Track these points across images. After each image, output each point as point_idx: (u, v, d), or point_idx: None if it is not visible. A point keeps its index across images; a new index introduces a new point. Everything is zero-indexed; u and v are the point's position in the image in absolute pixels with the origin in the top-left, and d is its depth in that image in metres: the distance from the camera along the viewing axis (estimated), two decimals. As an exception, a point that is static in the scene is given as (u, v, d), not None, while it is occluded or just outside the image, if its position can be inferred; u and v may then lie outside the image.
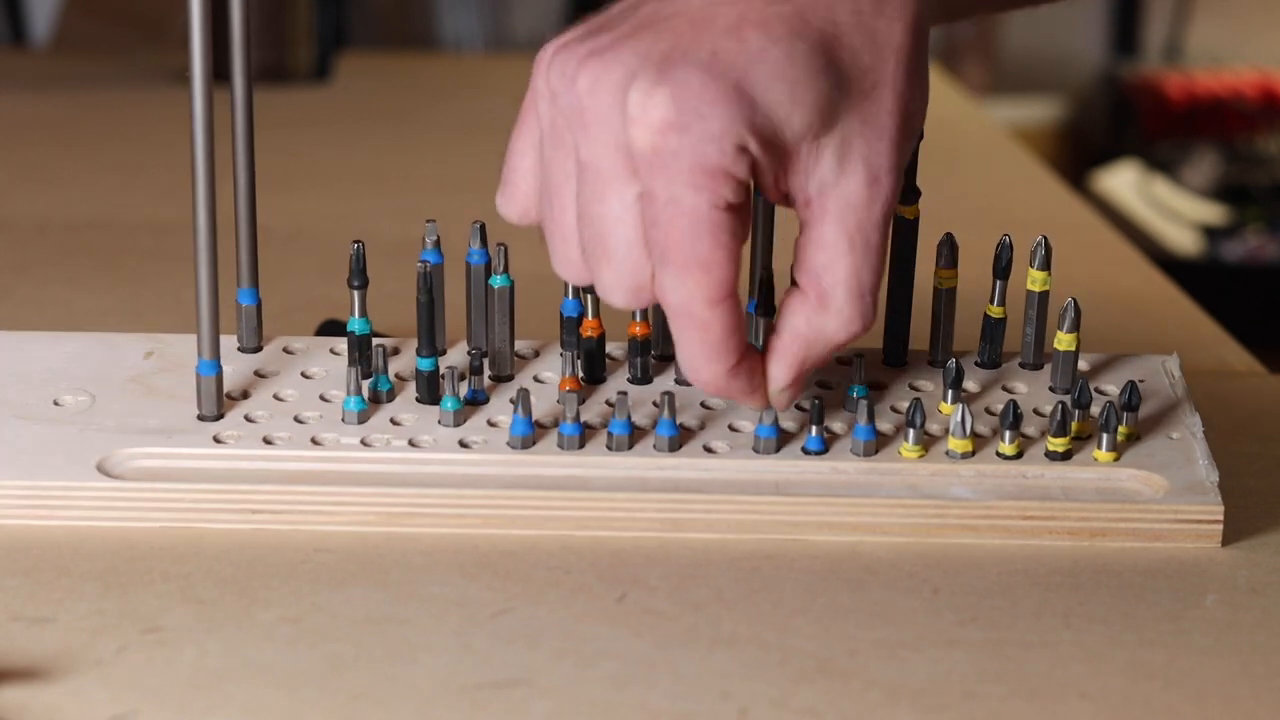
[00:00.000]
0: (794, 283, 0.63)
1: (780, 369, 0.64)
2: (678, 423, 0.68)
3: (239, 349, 0.72)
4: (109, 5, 1.80)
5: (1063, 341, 0.71)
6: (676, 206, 0.59)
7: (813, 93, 0.60)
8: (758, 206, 0.71)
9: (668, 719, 0.56)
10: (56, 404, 0.69)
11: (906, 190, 0.71)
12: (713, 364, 0.62)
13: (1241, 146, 2.72)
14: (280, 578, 0.63)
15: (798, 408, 0.70)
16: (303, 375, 0.71)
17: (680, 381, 0.72)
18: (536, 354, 0.73)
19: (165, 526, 0.65)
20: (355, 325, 0.71)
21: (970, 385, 0.72)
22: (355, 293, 0.71)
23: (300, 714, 0.56)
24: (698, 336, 0.61)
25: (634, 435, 0.68)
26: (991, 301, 0.72)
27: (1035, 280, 0.72)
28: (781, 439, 0.68)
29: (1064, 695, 0.58)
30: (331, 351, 0.73)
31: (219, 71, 0.65)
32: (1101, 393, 0.72)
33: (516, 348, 0.73)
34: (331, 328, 0.81)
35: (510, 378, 0.71)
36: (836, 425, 0.69)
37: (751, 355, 0.63)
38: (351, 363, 0.70)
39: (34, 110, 1.40)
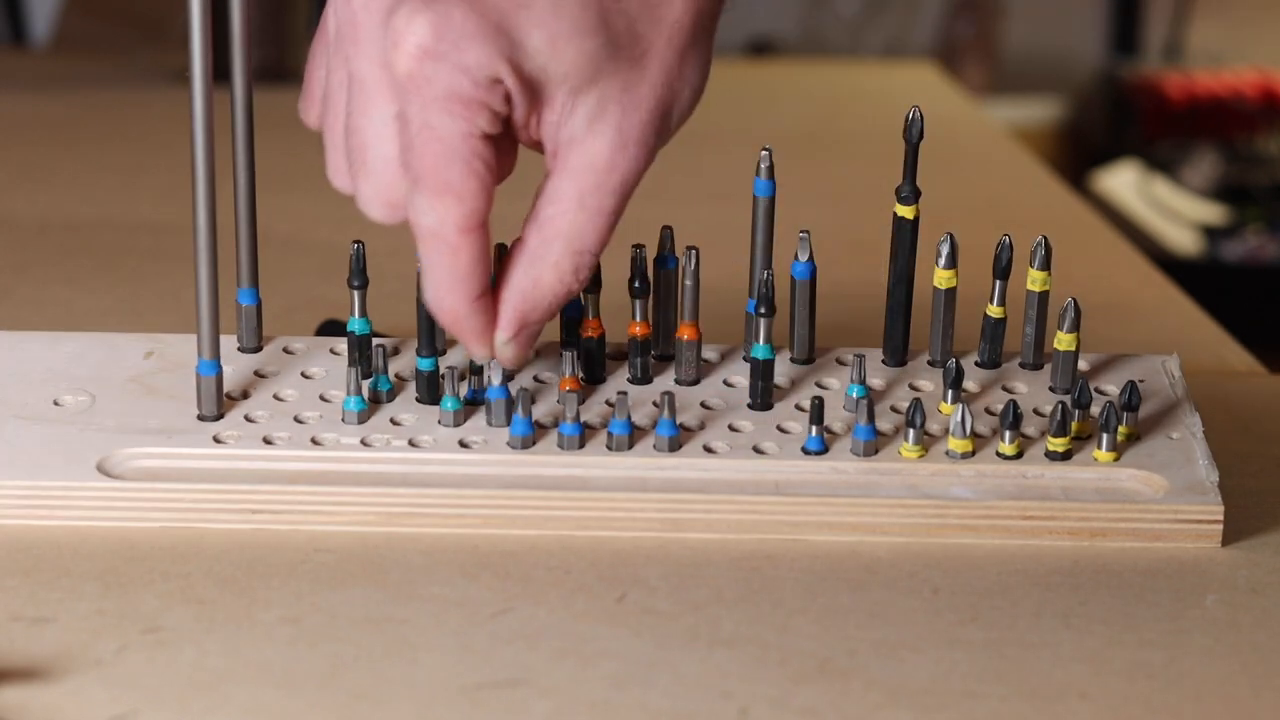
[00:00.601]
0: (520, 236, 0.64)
1: (503, 318, 0.65)
2: (677, 423, 0.68)
3: (238, 349, 0.72)
4: (109, 5, 1.80)
5: (1063, 341, 0.71)
6: (429, 132, 0.61)
7: (574, 47, 0.61)
8: (758, 206, 0.71)
9: (668, 719, 0.56)
10: (56, 404, 0.69)
11: (906, 190, 0.71)
12: (455, 293, 0.63)
13: (1241, 146, 2.72)
14: (280, 578, 0.63)
15: (797, 407, 0.70)
16: (303, 375, 0.71)
17: (679, 382, 0.72)
18: (537, 354, 0.73)
19: (165, 526, 0.65)
20: (355, 325, 0.71)
21: (970, 385, 0.72)
22: (355, 293, 0.71)
23: (300, 714, 0.56)
24: (445, 262, 0.63)
25: (634, 435, 0.68)
26: (991, 301, 0.72)
27: (1035, 280, 0.72)
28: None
29: (1064, 695, 0.58)
30: (331, 351, 0.73)
31: (219, 71, 0.65)
32: (1101, 393, 0.72)
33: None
34: (331, 328, 0.81)
35: (510, 377, 0.71)
36: (836, 425, 0.69)
37: (492, 298, 0.65)
38: (351, 363, 0.70)
39: (34, 110, 1.40)
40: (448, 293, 0.63)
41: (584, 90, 0.62)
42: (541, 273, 0.64)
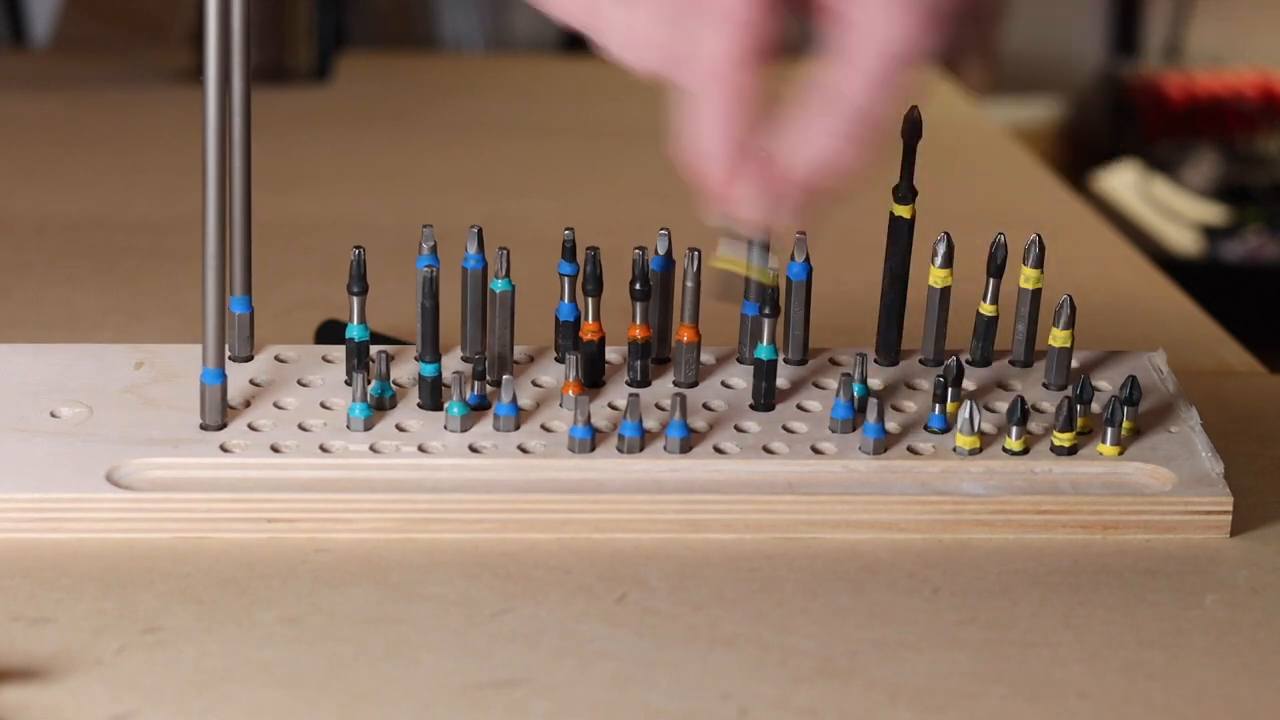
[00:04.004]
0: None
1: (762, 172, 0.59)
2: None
3: (230, 358, 0.72)
4: (109, 5, 1.80)
5: (1058, 338, 0.71)
6: None
7: None
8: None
9: (668, 719, 0.56)
10: (54, 416, 0.69)
11: (903, 190, 0.71)
12: (720, 133, 0.58)
13: (1241, 146, 2.72)
14: (280, 578, 0.63)
15: (800, 407, 0.70)
16: (299, 383, 0.71)
17: (678, 384, 0.72)
18: (531, 359, 0.73)
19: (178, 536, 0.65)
20: (354, 332, 0.70)
21: (965, 383, 0.72)
22: (354, 299, 0.70)
23: (300, 714, 0.56)
24: (714, 97, 0.58)
25: (643, 438, 0.68)
26: (984, 299, 0.72)
27: (1028, 278, 0.72)
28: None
29: (1064, 695, 0.58)
30: (325, 359, 0.73)
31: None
32: (1095, 388, 0.72)
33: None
34: (332, 328, 0.81)
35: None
36: (829, 430, 0.69)
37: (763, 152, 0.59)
38: (354, 369, 0.70)
39: (34, 110, 1.40)
40: (712, 132, 0.58)
41: None
42: (823, 143, 0.58)
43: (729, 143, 0.58)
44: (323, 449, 0.67)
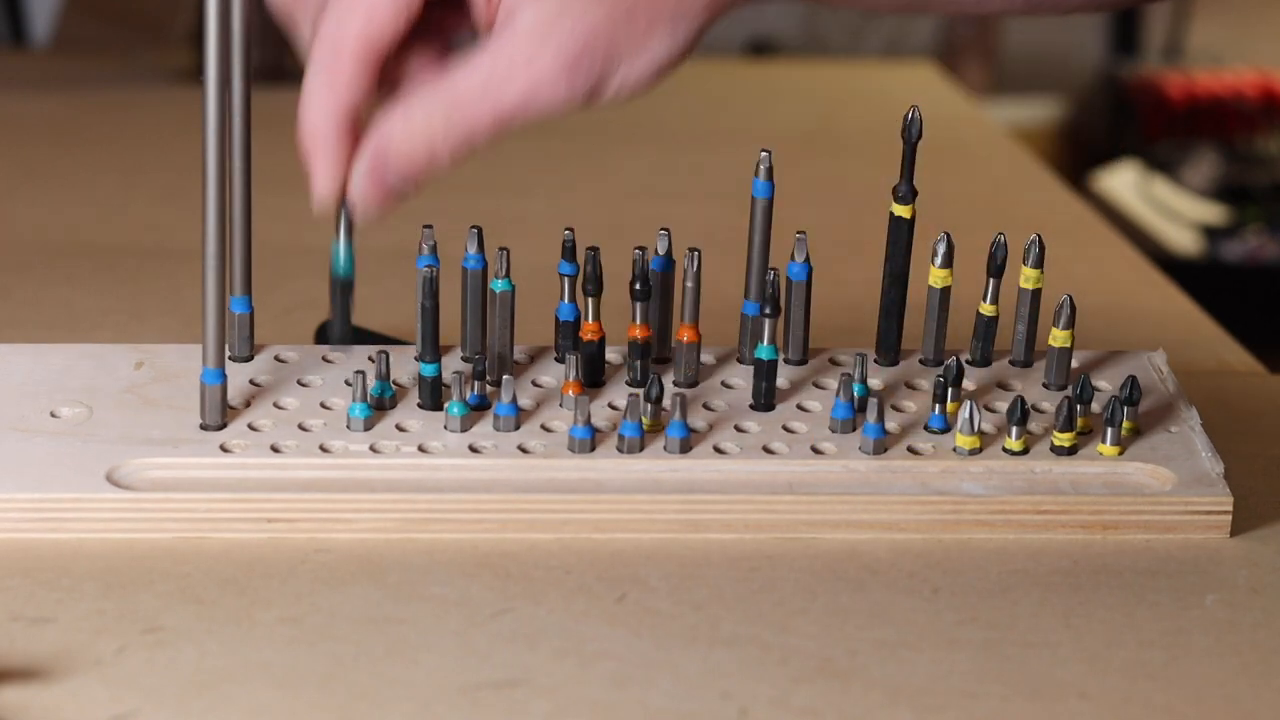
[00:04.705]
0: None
1: (363, 147, 0.64)
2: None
3: (230, 358, 0.72)
4: (109, 5, 1.80)
5: (1058, 338, 0.71)
6: None
7: None
8: (756, 207, 0.71)
9: (668, 719, 0.56)
10: (54, 416, 0.69)
11: (904, 190, 0.71)
12: (327, 104, 0.63)
13: (1241, 146, 2.72)
14: (280, 578, 0.63)
15: (800, 407, 0.70)
16: (299, 383, 0.71)
17: (678, 384, 0.72)
18: (531, 359, 0.73)
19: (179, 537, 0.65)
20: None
21: (965, 383, 0.72)
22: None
23: (300, 714, 0.56)
24: (327, 69, 0.63)
25: (644, 438, 0.68)
26: (984, 299, 0.72)
27: (1028, 278, 0.72)
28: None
29: (1064, 695, 0.58)
30: (324, 359, 0.73)
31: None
32: (1095, 388, 0.72)
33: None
34: (331, 328, 0.81)
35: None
36: (826, 431, 0.69)
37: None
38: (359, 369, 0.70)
39: (34, 110, 1.40)
40: (319, 103, 0.63)
41: None
42: (414, 117, 0.63)
43: (333, 112, 0.63)
44: (323, 449, 0.67)
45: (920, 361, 0.73)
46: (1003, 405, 0.70)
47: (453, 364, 0.72)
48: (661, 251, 0.72)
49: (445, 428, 0.68)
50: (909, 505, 0.66)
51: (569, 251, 0.71)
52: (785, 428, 0.69)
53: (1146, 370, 0.74)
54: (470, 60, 0.63)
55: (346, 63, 0.62)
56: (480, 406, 0.69)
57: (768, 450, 0.68)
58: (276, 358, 0.72)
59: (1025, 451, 0.68)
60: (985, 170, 1.33)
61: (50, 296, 0.95)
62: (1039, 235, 0.72)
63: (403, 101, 0.63)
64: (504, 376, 0.69)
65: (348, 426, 0.68)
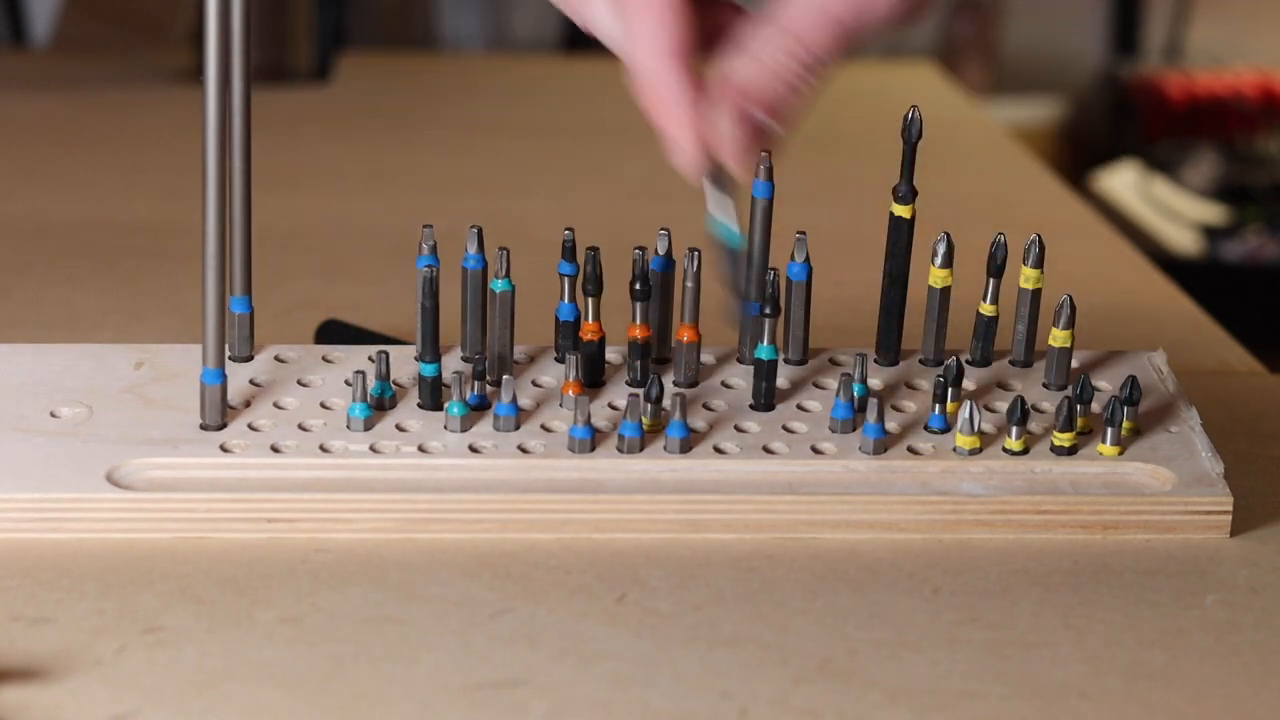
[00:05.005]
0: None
1: (720, 93, 0.62)
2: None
3: (230, 358, 0.72)
4: (109, 5, 1.80)
5: (1058, 338, 0.71)
6: None
7: None
8: (756, 208, 0.71)
9: (668, 719, 0.56)
10: (54, 416, 0.69)
11: (904, 190, 0.71)
12: (661, 47, 0.61)
13: (1241, 146, 2.72)
14: (280, 578, 0.63)
15: (800, 407, 0.70)
16: (299, 383, 0.71)
17: (678, 384, 0.72)
18: (531, 359, 0.73)
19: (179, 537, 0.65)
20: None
21: (965, 383, 0.72)
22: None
23: (300, 714, 0.56)
24: (653, 18, 0.61)
25: (644, 438, 0.68)
26: (984, 299, 0.72)
27: (1028, 278, 0.72)
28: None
29: (1064, 695, 0.58)
30: (324, 359, 0.73)
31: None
32: (1095, 388, 0.72)
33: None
34: (332, 328, 0.81)
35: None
36: (825, 431, 0.69)
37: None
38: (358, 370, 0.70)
39: (34, 110, 1.40)
40: (656, 66, 0.61)
41: None
42: (761, 54, 0.61)
43: (679, 76, 0.61)
44: (323, 449, 0.67)
45: (920, 361, 0.74)
46: (1003, 405, 0.70)
47: (453, 364, 0.72)
48: (661, 251, 0.72)
49: (445, 428, 0.68)
50: (909, 505, 0.66)
51: (569, 251, 0.71)
52: (785, 428, 0.69)
53: (1146, 370, 0.74)
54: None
55: (671, 25, 0.60)
56: (480, 406, 0.69)
57: (768, 450, 0.68)
58: (276, 358, 0.72)
59: (1025, 451, 0.68)
60: (985, 170, 1.33)
61: (50, 296, 0.95)
62: (1039, 235, 0.72)
63: (741, 48, 0.61)
64: (504, 376, 0.69)
65: (348, 426, 0.68)
